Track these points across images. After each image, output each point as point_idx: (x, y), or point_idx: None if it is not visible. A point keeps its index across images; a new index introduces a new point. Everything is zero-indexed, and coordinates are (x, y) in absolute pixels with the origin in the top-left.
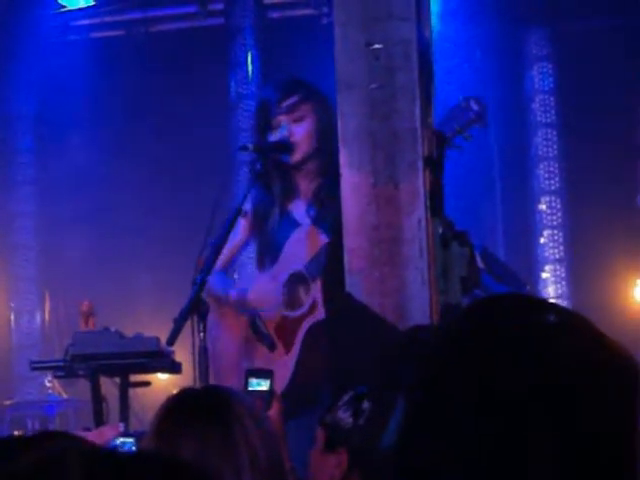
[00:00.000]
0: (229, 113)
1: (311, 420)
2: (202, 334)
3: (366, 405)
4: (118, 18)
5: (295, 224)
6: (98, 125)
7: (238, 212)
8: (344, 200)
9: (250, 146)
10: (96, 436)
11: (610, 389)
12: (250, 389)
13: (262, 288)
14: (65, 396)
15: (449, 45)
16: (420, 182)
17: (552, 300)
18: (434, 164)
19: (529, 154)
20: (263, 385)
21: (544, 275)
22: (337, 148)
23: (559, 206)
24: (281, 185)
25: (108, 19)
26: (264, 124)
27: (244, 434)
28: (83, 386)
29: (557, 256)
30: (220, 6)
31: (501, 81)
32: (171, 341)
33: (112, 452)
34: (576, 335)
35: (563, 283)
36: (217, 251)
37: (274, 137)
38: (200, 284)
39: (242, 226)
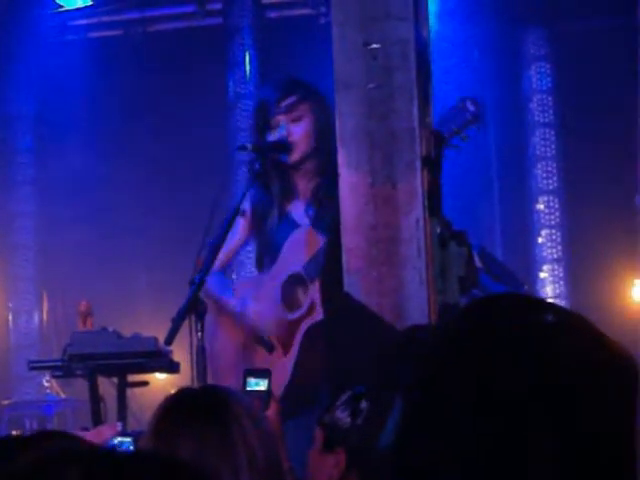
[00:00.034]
0: (227, 113)
1: (310, 420)
2: (200, 334)
3: (364, 405)
4: (116, 18)
5: (294, 225)
6: (96, 125)
7: (236, 212)
8: (342, 200)
9: (248, 146)
10: (94, 436)
11: (610, 389)
12: (248, 389)
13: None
14: (63, 396)
15: (447, 45)
16: (418, 182)
17: (550, 300)
18: (432, 164)
19: (527, 154)
20: (261, 385)
21: (542, 275)
22: (335, 148)
23: (557, 206)
24: (280, 185)
25: (106, 19)
26: (263, 124)
27: (242, 434)
28: (81, 386)
29: (555, 256)
30: (218, 6)
31: (499, 81)
32: (169, 341)
33: (110, 452)
34: (575, 335)
35: (561, 283)
36: (215, 251)
37: (273, 137)
38: (198, 284)
39: (241, 226)
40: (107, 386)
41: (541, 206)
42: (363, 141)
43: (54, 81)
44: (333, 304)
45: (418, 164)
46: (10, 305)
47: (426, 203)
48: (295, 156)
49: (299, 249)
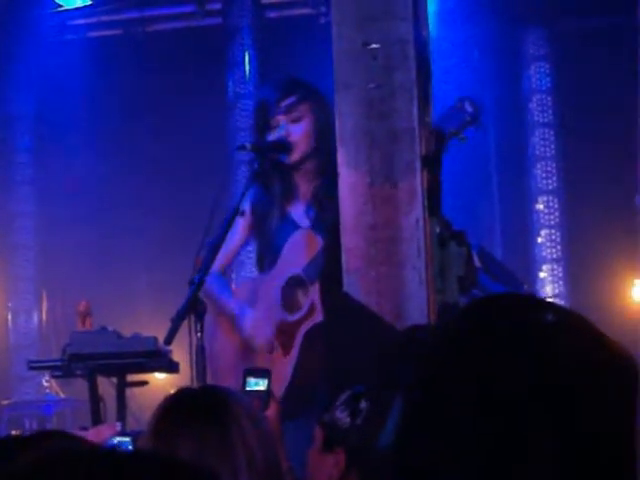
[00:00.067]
0: (227, 113)
1: (309, 421)
2: (199, 334)
3: (364, 405)
4: (115, 17)
5: (294, 226)
6: (96, 125)
7: (236, 212)
8: (341, 199)
9: (248, 145)
10: (93, 435)
11: (610, 389)
12: (248, 389)
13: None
14: (62, 396)
15: (447, 45)
16: (418, 182)
17: (550, 300)
18: (432, 162)
19: (526, 154)
20: (261, 385)
21: (541, 275)
22: (336, 148)
23: (556, 206)
24: (281, 186)
25: (105, 18)
26: (263, 124)
27: (241, 434)
28: (80, 386)
29: (554, 256)
30: (218, 6)
31: (499, 81)
32: (168, 340)
33: (110, 451)
34: (575, 334)
35: (560, 283)
36: (215, 251)
37: (272, 137)
38: (198, 284)
39: (241, 226)
40: (106, 386)
41: (541, 206)
42: (363, 141)
43: (54, 81)
44: (332, 304)
45: (418, 164)
46: (10, 305)
47: (426, 203)
48: (295, 156)
49: (299, 251)
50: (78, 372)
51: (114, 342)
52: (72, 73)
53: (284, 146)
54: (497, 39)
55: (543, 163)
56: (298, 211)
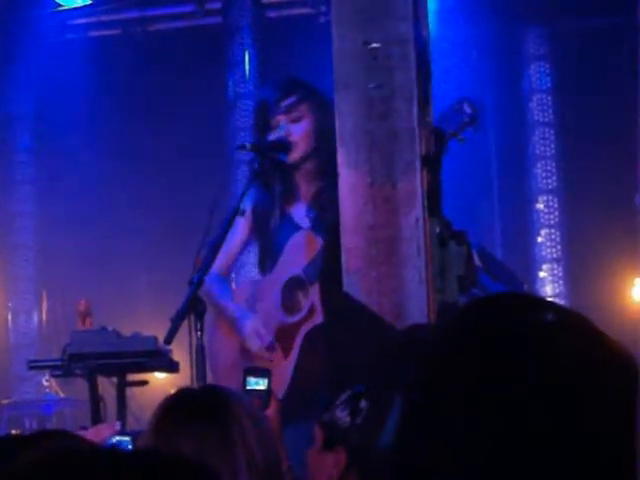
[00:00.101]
0: (227, 112)
1: (309, 423)
2: (199, 333)
3: (364, 404)
4: (115, 17)
5: (295, 227)
6: (96, 124)
7: (236, 211)
8: (342, 200)
9: (247, 145)
10: (93, 435)
11: (610, 389)
12: (248, 388)
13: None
14: (62, 395)
15: (447, 44)
16: (418, 181)
17: (550, 299)
18: (432, 162)
19: (526, 153)
20: (261, 384)
21: (541, 274)
22: (336, 148)
23: (556, 205)
24: (281, 186)
25: (105, 18)
26: (263, 124)
27: (242, 434)
28: (80, 385)
29: (554, 255)
30: (217, 5)
31: (498, 80)
32: (168, 340)
33: (110, 451)
34: (575, 334)
35: (560, 282)
36: (215, 250)
37: (272, 137)
38: (197, 283)
39: (241, 226)
40: (106, 385)
41: (541, 205)
42: (363, 141)
43: (54, 81)
44: (333, 304)
45: (418, 164)
46: (10, 305)
47: (426, 203)
48: (295, 156)
49: (299, 252)
50: (78, 372)
51: (114, 342)
52: (72, 72)
53: (284, 146)
54: (497, 39)
55: (543, 163)
56: (299, 212)
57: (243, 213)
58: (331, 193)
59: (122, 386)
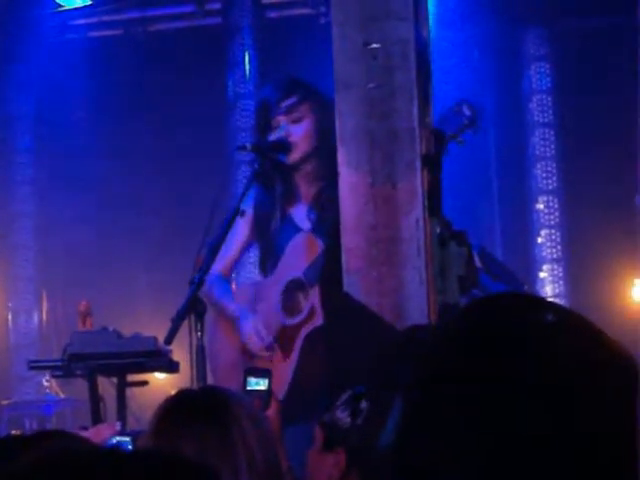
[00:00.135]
0: (227, 113)
1: (309, 424)
2: (199, 333)
3: (364, 405)
4: (116, 17)
5: (295, 228)
6: (96, 125)
7: (236, 212)
8: (342, 200)
9: (248, 145)
10: (93, 435)
11: (609, 389)
12: (248, 388)
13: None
14: (62, 396)
15: (447, 45)
16: (418, 182)
17: (550, 299)
18: (432, 163)
19: (527, 154)
20: (261, 385)
21: (542, 275)
22: (336, 148)
23: (557, 206)
24: (282, 187)
25: (106, 18)
26: (263, 124)
27: (242, 435)
28: (80, 386)
29: (555, 256)
30: (218, 5)
31: (499, 81)
32: (168, 340)
33: (110, 451)
34: (575, 334)
35: (561, 283)
36: (215, 251)
37: (273, 137)
38: (197, 283)
39: (242, 227)
40: (107, 386)
41: (541, 206)
42: (363, 141)
43: (54, 81)
44: (333, 304)
45: (418, 164)
46: (10, 305)
47: (426, 203)
48: (295, 156)
49: (300, 254)
50: (78, 372)
51: (114, 342)
52: (73, 73)
53: (284, 146)
54: (497, 39)
55: (543, 163)
56: (299, 213)
57: (243, 214)
58: (331, 193)
59: (122, 386)
